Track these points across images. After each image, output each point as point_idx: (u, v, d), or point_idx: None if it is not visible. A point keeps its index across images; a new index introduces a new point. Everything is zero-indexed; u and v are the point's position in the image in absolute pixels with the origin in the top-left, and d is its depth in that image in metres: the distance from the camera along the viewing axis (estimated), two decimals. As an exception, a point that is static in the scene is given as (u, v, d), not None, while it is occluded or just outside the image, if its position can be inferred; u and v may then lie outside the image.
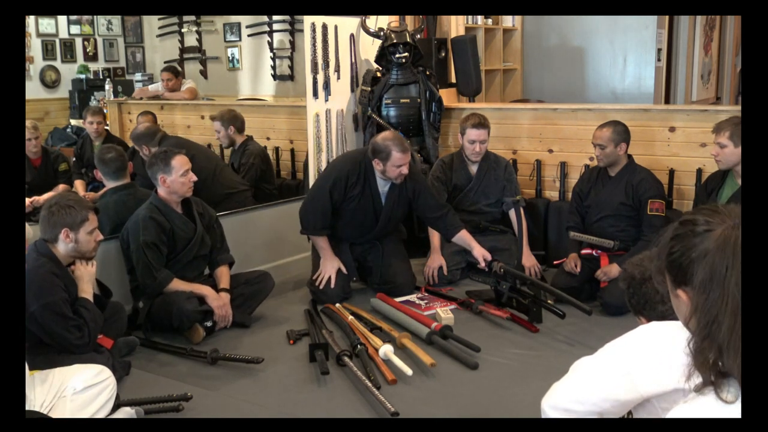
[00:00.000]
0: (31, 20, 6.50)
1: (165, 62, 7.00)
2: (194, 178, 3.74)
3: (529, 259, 4.45)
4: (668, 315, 1.46)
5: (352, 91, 5.21)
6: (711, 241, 1.29)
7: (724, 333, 1.26)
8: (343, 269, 4.16)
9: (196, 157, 4.67)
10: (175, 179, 3.67)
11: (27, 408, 2.41)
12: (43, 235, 3.05)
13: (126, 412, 2.71)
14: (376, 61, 5.19)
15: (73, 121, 6.64)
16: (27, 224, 3.19)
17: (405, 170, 4.01)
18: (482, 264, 4.05)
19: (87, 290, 3.12)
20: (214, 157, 5.05)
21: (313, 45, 4.88)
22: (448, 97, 5.56)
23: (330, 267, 4.14)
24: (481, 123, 4.57)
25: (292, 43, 6.22)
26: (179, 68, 6.86)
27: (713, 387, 1.26)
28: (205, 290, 3.70)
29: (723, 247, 1.28)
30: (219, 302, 3.68)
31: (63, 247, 3.03)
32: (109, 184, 3.97)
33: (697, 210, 1.37)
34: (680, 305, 1.36)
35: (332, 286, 4.10)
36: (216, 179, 4.69)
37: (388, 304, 3.95)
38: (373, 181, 4.12)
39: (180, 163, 3.68)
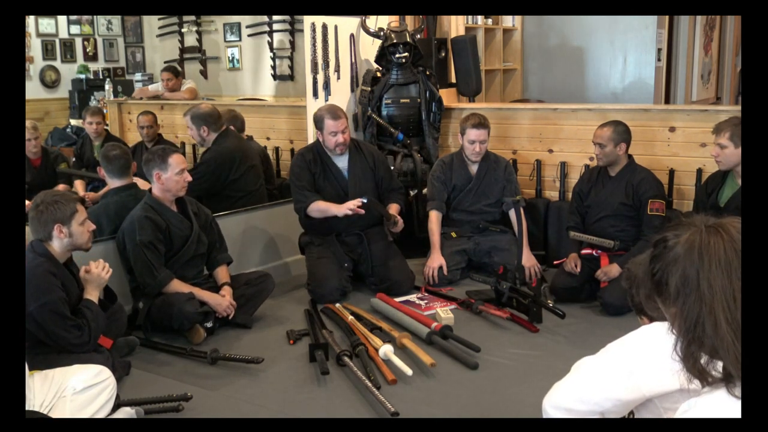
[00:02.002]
0: (31, 20, 6.50)
1: (165, 62, 7.00)
2: (189, 178, 3.73)
3: (529, 259, 4.44)
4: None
5: (352, 91, 5.21)
6: (679, 247, 1.36)
7: (709, 334, 1.28)
8: (357, 204, 4.07)
9: (252, 168, 4.63)
10: (170, 177, 3.67)
11: (27, 408, 2.41)
12: (36, 234, 3.03)
13: (126, 412, 2.71)
14: (376, 61, 5.19)
15: (73, 121, 6.64)
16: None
17: (341, 138, 4.17)
18: (395, 229, 4.24)
19: (93, 294, 3.12)
20: (261, 175, 4.85)
21: (313, 45, 4.88)
22: (448, 97, 5.56)
23: (341, 208, 4.10)
24: (481, 123, 4.57)
25: (292, 43, 6.23)
26: (179, 68, 6.86)
27: (724, 383, 1.27)
28: (206, 296, 3.70)
29: (690, 251, 1.34)
30: (222, 306, 3.68)
31: (58, 243, 3.02)
32: (112, 183, 3.95)
33: (665, 228, 1.45)
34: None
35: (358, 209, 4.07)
36: (255, 195, 4.67)
37: (388, 304, 3.95)
38: (326, 157, 4.28)
39: (177, 161, 3.68)
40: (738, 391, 1.25)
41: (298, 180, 4.26)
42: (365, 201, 4.06)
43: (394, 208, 4.33)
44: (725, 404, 1.25)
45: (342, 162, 4.30)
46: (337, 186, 4.28)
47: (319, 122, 4.21)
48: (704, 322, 1.29)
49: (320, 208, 4.21)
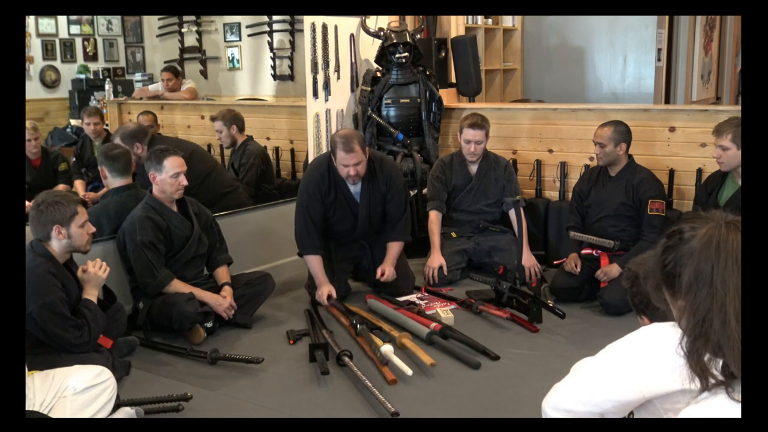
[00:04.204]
0: (31, 20, 6.50)
1: (165, 62, 6.99)
2: (185, 182, 3.72)
3: (529, 260, 4.44)
4: (670, 315, 1.46)
5: (352, 91, 5.21)
6: (696, 241, 1.33)
7: (717, 330, 1.26)
8: (333, 294, 3.97)
9: (189, 158, 4.66)
10: (165, 179, 3.66)
11: (27, 408, 2.41)
12: (35, 234, 3.03)
13: (126, 412, 2.71)
14: (376, 61, 5.19)
15: (73, 121, 6.64)
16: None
17: (352, 171, 3.86)
18: (378, 275, 4.03)
19: (92, 294, 3.12)
20: (209, 159, 4.96)
21: (313, 45, 4.88)
22: (448, 97, 5.56)
23: (322, 293, 3.97)
24: (477, 123, 4.55)
25: (292, 43, 6.22)
26: (179, 68, 6.85)
27: (724, 387, 1.25)
28: (207, 297, 3.69)
29: (707, 245, 1.31)
30: (222, 307, 3.68)
31: (57, 244, 3.02)
32: (113, 183, 3.93)
33: (681, 220, 1.41)
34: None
35: (328, 304, 3.95)
36: (211, 180, 4.64)
37: (384, 305, 3.94)
38: (342, 183, 3.99)
39: (172, 164, 3.67)
40: (738, 394, 1.24)
41: (305, 221, 4.03)
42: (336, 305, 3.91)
43: (395, 249, 4.12)
44: (726, 409, 1.24)
45: (355, 187, 4.04)
46: (347, 211, 4.08)
47: (332, 147, 3.92)
48: (713, 318, 1.27)
49: (313, 268, 4.04)
